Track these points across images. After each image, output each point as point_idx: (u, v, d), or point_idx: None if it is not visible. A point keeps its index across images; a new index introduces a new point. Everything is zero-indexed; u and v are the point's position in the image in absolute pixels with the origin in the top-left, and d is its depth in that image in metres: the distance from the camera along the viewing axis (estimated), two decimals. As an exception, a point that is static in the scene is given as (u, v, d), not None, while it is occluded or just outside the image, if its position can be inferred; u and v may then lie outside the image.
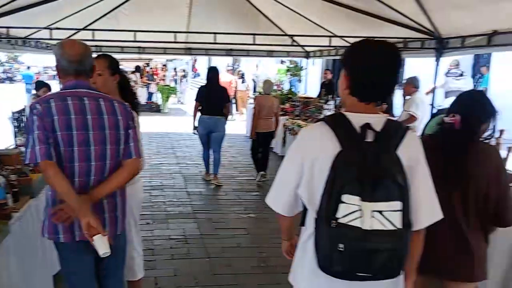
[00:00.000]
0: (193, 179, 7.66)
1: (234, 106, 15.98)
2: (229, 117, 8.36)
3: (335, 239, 1.67)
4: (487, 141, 2.56)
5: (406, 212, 1.69)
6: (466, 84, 9.41)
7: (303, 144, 1.89)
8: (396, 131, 1.80)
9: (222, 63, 23.37)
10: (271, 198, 1.98)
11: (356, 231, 1.64)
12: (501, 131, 4.17)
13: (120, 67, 3.27)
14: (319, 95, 10.78)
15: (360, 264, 1.69)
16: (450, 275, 2.54)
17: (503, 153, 4.18)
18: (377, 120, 1.79)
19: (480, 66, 11.69)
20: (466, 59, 11.82)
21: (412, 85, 6.61)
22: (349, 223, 1.65)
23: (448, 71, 10.01)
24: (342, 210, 1.65)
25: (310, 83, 13.64)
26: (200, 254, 4.67)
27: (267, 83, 7.97)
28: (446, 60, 10.23)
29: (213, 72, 7.45)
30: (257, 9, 8.65)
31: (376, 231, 1.65)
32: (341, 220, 1.65)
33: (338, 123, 1.80)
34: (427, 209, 1.83)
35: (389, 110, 7.19)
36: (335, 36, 7.61)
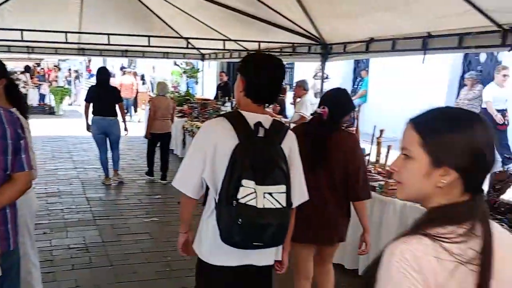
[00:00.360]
0: (92, 184, 7.28)
1: (133, 107, 15.53)
2: (127, 117, 8.11)
3: (236, 215, 1.93)
4: (347, 129, 3.13)
5: (288, 193, 2.03)
6: (330, 85, 10.16)
7: (207, 135, 2.14)
8: (280, 129, 2.17)
9: (117, 64, 22.52)
10: (179, 181, 2.16)
11: (252, 209, 1.93)
12: (381, 131, 4.48)
13: (9, 67, 2.98)
14: (216, 97, 10.80)
15: (255, 235, 1.99)
16: (318, 241, 3.01)
17: (383, 150, 4.51)
18: (266, 119, 2.12)
19: (360, 70, 12.44)
20: (349, 63, 12.55)
21: (302, 88, 6.86)
22: (247, 203, 1.93)
23: (315, 74, 10.80)
24: (241, 192, 1.93)
25: (207, 85, 13.62)
26: (103, 262, 4.44)
27: (161, 84, 7.93)
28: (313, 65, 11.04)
29: (102, 73, 7.25)
30: (151, 11, 8.42)
31: (268, 209, 1.96)
32: (241, 200, 1.93)
33: (236, 120, 2.10)
34: (299, 192, 2.22)
35: (282, 112, 7.45)
36: (229, 39, 7.67)
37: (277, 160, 2.02)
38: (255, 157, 1.98)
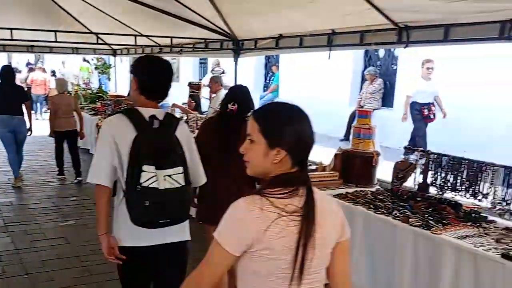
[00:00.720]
0: (1, 188, 6.71)
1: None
2: (38, 116, 7.63)
3: (142, 198, 2.15)
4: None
5: (186, 173, 2.27)
6: (229, 80, 10.25)
7: (107, 130, 2.33)
8: (172, 120, 2.42)
9: (23, 59, 20.88)
10: (92, 175, 2.31)
11: (155, 191, 2.15)
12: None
13: None
14: (130, 93, 10.39)
15: (161, 213, 2.21)
16: None
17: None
18: (160, 112, 2.36)
19: (271, 65, 12.53)
20: (260, 58, 12.60)
21: (217, 84, 6.79)
22: (150, 186, 2.15)
23: (213, 69, 10.87)
24: (143, 177, 2.15)
25: (120, 81, 13.05)
26: (17, 271, 4.10)
27: (60, 81, 7.62)
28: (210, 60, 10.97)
29: (6, 71, 6.78)
30: (58, 5, 7.86)
31: (169, 189, 2.18)
32: (144, 184, 2.14)
33: (132, 114, 2.31)
34: (202, 173, 2.53)
35: (197, 108, 7.32)
36: (141, 35, 7.42)
37: (172, 146, 2.27)
38: (153, 145, 2.21)
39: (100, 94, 10.67)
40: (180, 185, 2.22)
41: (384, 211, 3.25)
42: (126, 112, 2.36)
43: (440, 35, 3.77)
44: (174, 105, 7.76)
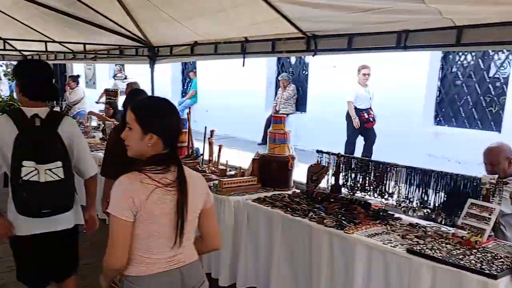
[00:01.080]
0: None
1: None
2: None
3: (23, 191, 2.34)
4: None
5: (66, 167, 2.43)
6: (144, 86, 10.02)
7: None
8: (56, 117, 2.53)
9: None
10: None
11: (35, 184, 2.33)
12: (212, 132, 4.39)
13: None
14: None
15: (42, 204, 2.38)
16: None
17: (215, 149, 4.41)
18: (43, 111, 2.47)
19: (188, 71, 12.24)
20: (177, 65, 12.25)
21: (134, 90, 6.46)
22: (30, 179, 2.32)
23: (115, 75, 10.52)
24: (23, 171, 2.32)
25: (33, 87, 12.03)
26: None
27: None
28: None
29: None
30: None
31: (50, 182, 2.37)
32: (25, 178, 2.32)
33: (15, 114, 2.45)
34: (91, 165, 2.69)
35: (114, 115, 6.90)
36: (53, 41, 6.88)
37: (51, 142, 2.40)
38: (33, 142, 2.34)
39: (11, 102, 9.73)
40: (60, 178, 2.39)
41: (301, 213, 3.22)
42: (10, 112, 2.50)
43: (344, 43, 3.84)
44: (90, 113, 7.30)
